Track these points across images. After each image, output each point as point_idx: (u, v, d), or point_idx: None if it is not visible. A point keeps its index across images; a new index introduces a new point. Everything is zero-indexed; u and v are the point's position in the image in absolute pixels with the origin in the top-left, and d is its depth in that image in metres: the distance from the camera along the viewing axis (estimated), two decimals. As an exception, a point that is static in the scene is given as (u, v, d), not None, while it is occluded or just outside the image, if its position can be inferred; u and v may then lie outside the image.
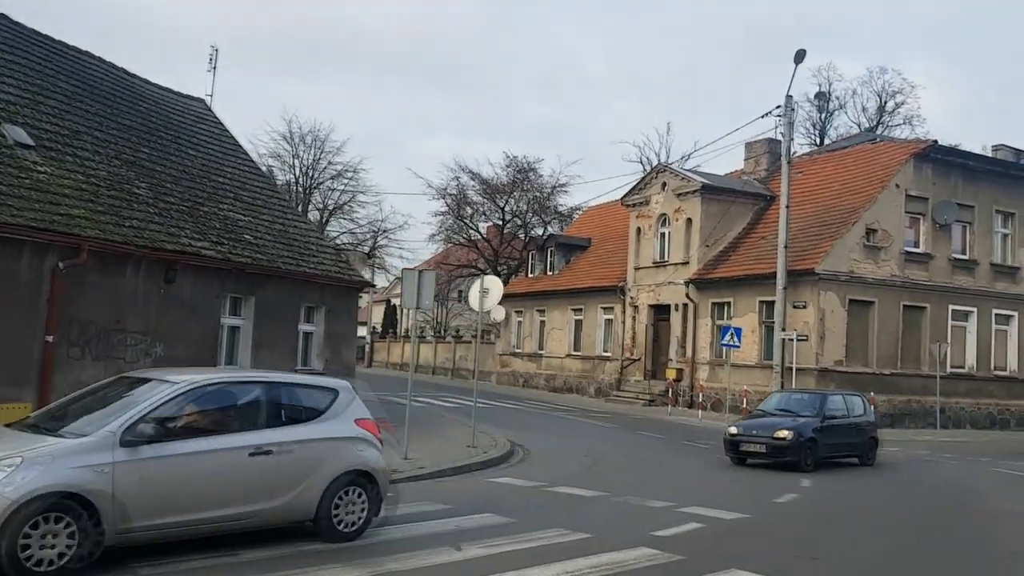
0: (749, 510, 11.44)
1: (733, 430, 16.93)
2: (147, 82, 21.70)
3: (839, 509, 12.30)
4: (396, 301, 76.62)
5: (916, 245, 29.20)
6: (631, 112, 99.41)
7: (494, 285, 16.80)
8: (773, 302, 27.62)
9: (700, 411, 28.30)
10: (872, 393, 25.99)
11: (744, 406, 26.83)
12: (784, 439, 16.07)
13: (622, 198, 36.73)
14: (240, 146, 22.99)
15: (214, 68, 23.88)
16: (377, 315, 74.94)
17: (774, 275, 27.36)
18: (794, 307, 27.43)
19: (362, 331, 72.19)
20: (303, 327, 20.02)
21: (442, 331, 59.22)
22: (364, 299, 76.97)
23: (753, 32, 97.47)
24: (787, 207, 27.56)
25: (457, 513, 10.35)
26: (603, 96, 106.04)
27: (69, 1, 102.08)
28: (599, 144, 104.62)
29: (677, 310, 32.90)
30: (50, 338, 13.58)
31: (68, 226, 13.89)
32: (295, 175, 42.90)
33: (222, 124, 23.26)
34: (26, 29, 18.39)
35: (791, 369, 26.19)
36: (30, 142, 15.20)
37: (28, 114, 16.00)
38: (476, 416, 24.81)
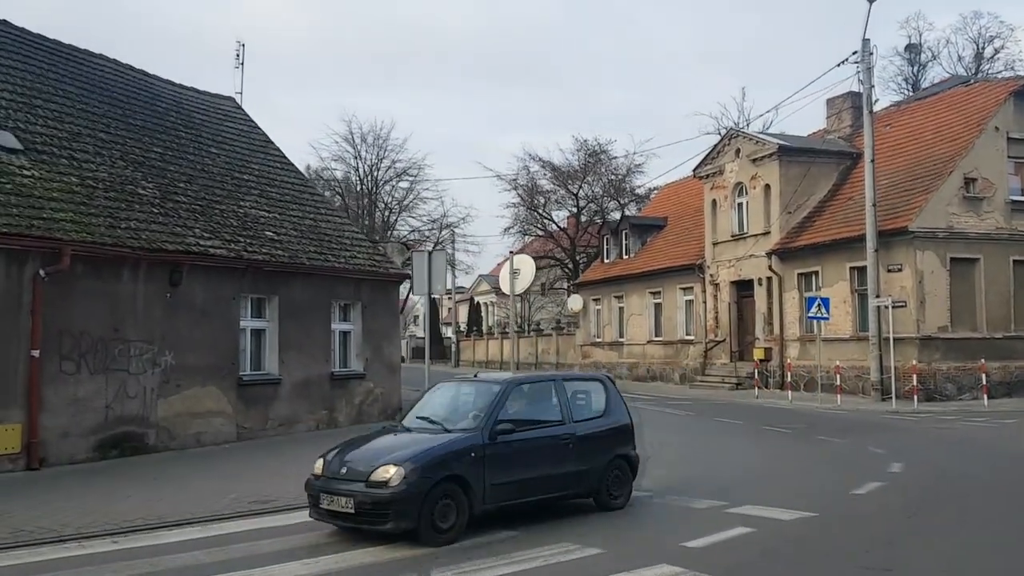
0: (816, 507, 9.42)
1: (318, 466, 8.76)
2: (169, 83, 20.83)
3: (937, 505, 10.06)
4: (479, 299, 75.65)
5: (1023, 192, 26.03)
6: (709, 87, 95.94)
7: (525, 265, 15.11)
8: (865, 268, 25.11)
9: (790, 392, 25.89)
10: (983, 360, 23.29)
11: (838, 384, 24.36)
12: (385, 485, 8.03)
13: (694, 169, 34.40)
14: (271, 142, 21.91)
15: (241, 64, 22.99)
16: (463, 314, 74.11)
17: (863, 238, 24.86)
18: (888, 271, 24.81)
19: (448, 331, 71.55)
20: (338, 326, 18.74)
21: (525, 325, 57.69)
22: (447, 300, 76.49)
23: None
24: (872, 161, 25.05)
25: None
26: (681, 75, 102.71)
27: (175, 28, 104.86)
28: (676, 121, 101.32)
29: (760, 284, 30.45)
30: (36, 352, 12.54)
31: (49, 230, 12.84)
32: (359, 176, 42.00)
33: (251, 121, 22.25)
34: (30, 34, 17.66)
35: (888, 340, 23.62)
36: (17, 146, 14.28)
37: (21, 118, 15.14)
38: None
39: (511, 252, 15.03)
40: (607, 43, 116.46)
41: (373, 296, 19.21)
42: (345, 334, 19.01)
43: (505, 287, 15.10)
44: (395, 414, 19.28)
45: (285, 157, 21.74)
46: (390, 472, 8.08)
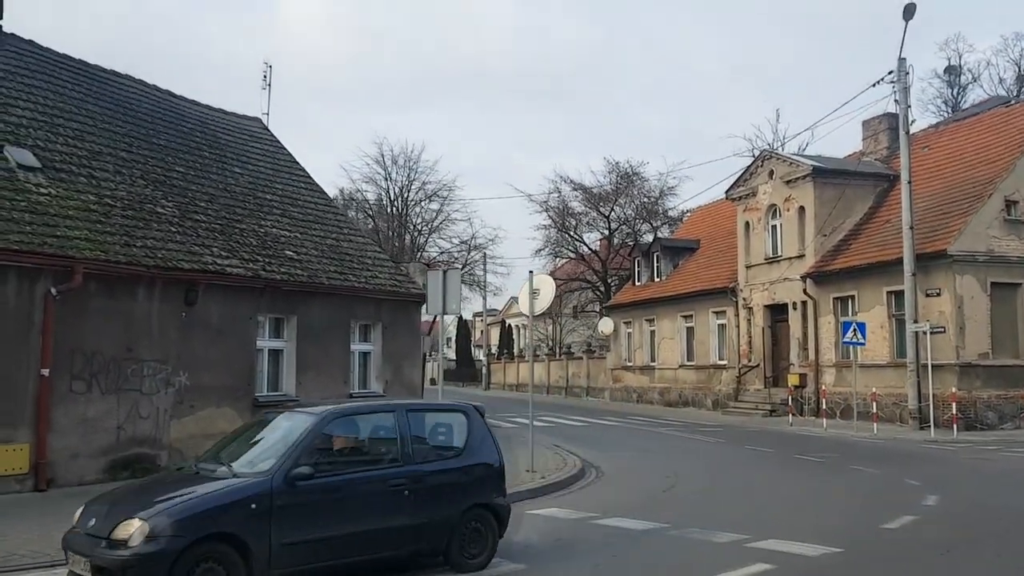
0: (844, 542, 8.88)
1: (76, 515, 7.38)
2: (195, 103, 20.83)
3: (974, 542, 9.44)
4: (511, 321, 75.27)
5: (1067, 215, 25.18)
6: (745, 111, 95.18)
7: (545, 284, 14.68)
8: (902, 292, 24.39)
9: (825, 420, 25.14)
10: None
11: (874, 411, 23.61)
12: (124, 545, 6.55)
13: (727, 191, 33.83)
14: (297, 163, 21.81)
15: (269, 86, 22.95)
16: (494, 336, 73.75)
17: (901, 261, 24.17)
18: (927, 295, 24.07)
19: (479, 354, 71.19)
20: (358, 346, 18.45)
21: (556, 349, 57.21)
22: (479, 323, 76.15)
23: (868, 16, 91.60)
24: (908, 182, 24.41)
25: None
26: (716, 98, 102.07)
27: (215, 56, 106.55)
28: (710, 143, 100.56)
29: (795, 308, 29.76)
30: (46, 371, 12.35)
31: (62, 248, 12.71)
32: (389, 197, 42.00)
33: (278, 142, 22.18)
34: (55, 54, 17.71)
35: (927, 366, 22.85)
36: (36, 164, 14.23)
37: (41, 136, 15.10)
38: (565, 436, 22.91)
39: (530, 272, 14.59)
40: (642, 66, 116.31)
41: (394, 316, 18.92)
42: (365, 355, 18.72)
43: (524, 308, 14.70)
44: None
45: (310, 177, 21.63)
46: (132, 528, 6.46)
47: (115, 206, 14.74)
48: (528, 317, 14.76)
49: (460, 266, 42.37)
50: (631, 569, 8.01)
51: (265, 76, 22.93)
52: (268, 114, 22.61)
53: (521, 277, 56.54)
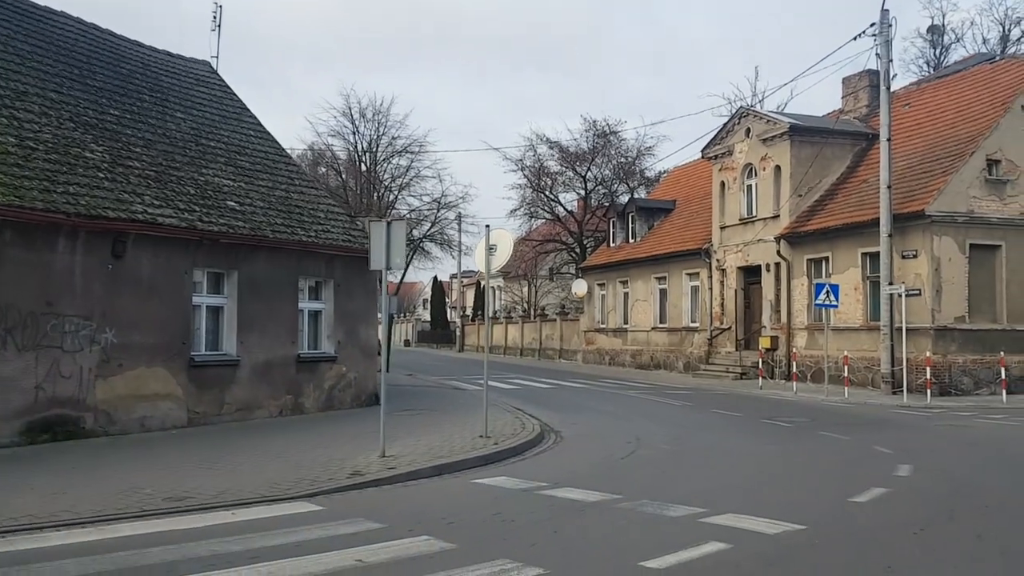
0: (807, 518, 8.09)
1: None
2: (138, 44, 19.56)
3: (948, 519, 8.67)
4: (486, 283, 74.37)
5: (1051, 175, 24.46)
6: (725, 75, 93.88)
7: (502, 240, 13.73)
8: (878, 254, 23.69)
9: (795, 383, 24.50)
10: (1002, 353, 21.88)
11: (846, 375, 22.97)
12: None
13: (703, 150, 32.91)
14: (247, 110, 20.64)
15: (218, 27, 21.61)
16: (470, 298, 72.90)
17: (877, 222, 23.43)
18: (903, 257, 23.38)
19: (454, 315, 70.31)
20: (307, 305, 17.50)
21: (531, 311, 56.42)
22: (455, 284, 75.19)
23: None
24: (888, 140, 23.60)
25: (384, 537, 7.46)
26: (697, 63, 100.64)
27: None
28: (689, 105, 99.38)
29: (768, 271, 29.05)
30: (-49, 327, 11.37)
31: (-34, 192, 11.64)
32: (358, 152, 40.64)
33: (228, 88, 20.97)
34: (-21, -11, 16.40)
35: (901, 330, 22.20)
36: (-54, 102, 13.08)
37: (-43, 74, 13.92)
38: (531, 399, 22.13)
39: (487, 226, 13.65)
40: (623, 31, 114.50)
41: (348, 274, 17.95)
42: (315, 314, 17.77)
43: (480, 264, 13.76)
44: (370, 401, 18.08)
45: (261, 125, 20.48)
46: None
47: (37, 149, 13.61)
48: (484, 273, 13.80)
49: (430, 225, 41.22)
50: (569, 549, 7.18)
51: (215, 17, 21.60)
52: (217, 58, 21.38)
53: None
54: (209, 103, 19.57)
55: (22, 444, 12.13)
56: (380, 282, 11.89)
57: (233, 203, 16.30)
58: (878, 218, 23.55)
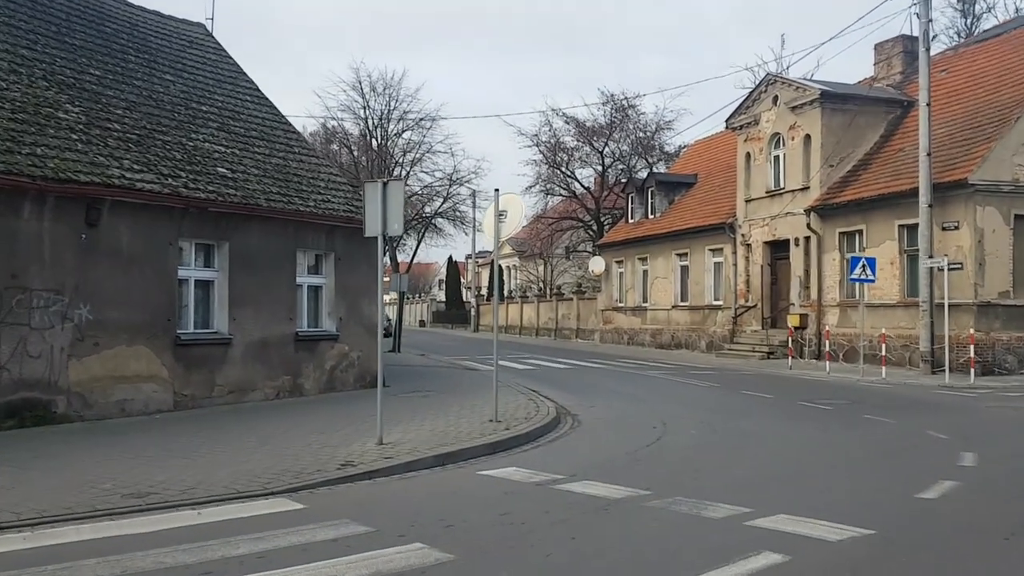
0: (873, 520, 6.80)
1: None
2: (126, 3, 18.32)
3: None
4: (502, 262, 73.01)
5: (1102, 141, 22.85)
6: (748, 50, 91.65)
7: (512, 205, 12.44)
8: (916, 226, 22.24)
9: (828, 363, 23.12)
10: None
11: (883, 354, 21.57)
12: None
13: (727, 120, 31.39)
14: (243, 74, 19.37)
15: (213, -13, 20.29)
16: (485, 278, 71.68)
17: (915, 192, 21.96)
18: (943, 229, 21.90)
19: (470, 295, 69.08)
20: (306, 279, 16.29)
21: (546, 290, 55.13)
22: (470, 264, 73.91)
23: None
24: (928, 104, 22.02)
25: (368, 544, 6.24)
26: (720, 40, 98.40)
27: None
28: (711, 79, 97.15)
29: (797, 245, 27.58)
30: (-100, 300, 10.22)
31: (-84, 151, 10.45)
32: (368, 128, 39.30)
33: (223, 50, 19.72)
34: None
35: (942, 306, 20.75)
36: (-98, 55, 11.89)
37: (-82, 27, 12.73)
38: (547, 380, 20.88)
39: (496, 190, 12.36)
40: (639, 8, 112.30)
41: (350, 246, 16.71)
42: (315, 289, 16.57)
43: (489, 231, 12.48)
44: (374, 382, 16.85)
45: (259, 91, 19.22)
46: None
47: (2, 107, 12.40)
48: (493, 241, 12.51)
49: (442, 201, 39.78)
50: (592, 562, 5.92)
51: (210, -23, 20.28)
52: (212, 19, 20.16)
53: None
54: (202, 66, 18.33)
55: (-14, 430, 11.00)
56: (378, 250, 10.55)
57: (224, 169, 15.07)
58: (917, 188, 22.08)
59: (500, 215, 12.33)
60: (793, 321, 26.55)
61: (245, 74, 19.39)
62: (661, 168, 46.20)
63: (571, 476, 8.75)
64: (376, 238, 10.89)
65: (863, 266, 21.64)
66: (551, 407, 14.32)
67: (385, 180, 10.44)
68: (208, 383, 14.04)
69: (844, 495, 8.00)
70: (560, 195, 51.25)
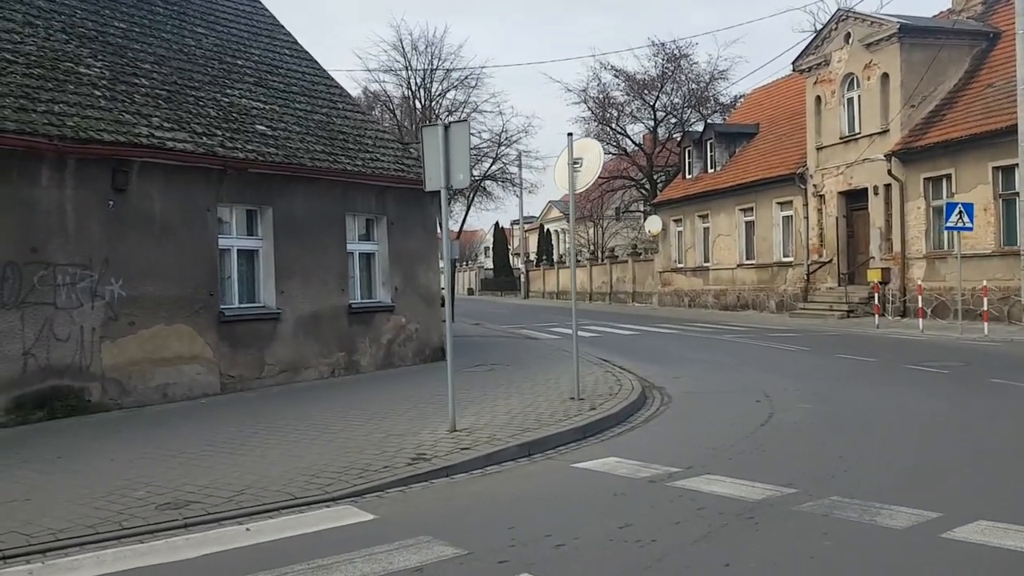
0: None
1: None
2: (154, -46, 16.91)
3: None
4: (550, 226, 71.35)
5: None
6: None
7: (589, 151, 10.87)
8: (1013, 167, 20.26)
9: (921, 320, 21.27)
10: None
11: (984, 308, 19.69)
12: None
13: (794, 62, 29.29)
14: (280, 26, 17.94)
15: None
16: (532, 244, 70.19)
17: (1012, 130, 19.94)
18: (1047, 169, 19.87)
19: (518, 262, 67.65)
20: (357, 246, 14.94)
21: (599, 253, 53.42)
22: (516, 230, 72.36)
23: None
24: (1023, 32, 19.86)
25: (465, 574, 4.83)
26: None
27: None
28: (765, 29, 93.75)
29: (877, 194, 25.60)
30: (-94, 281, 9.02)
31: (-85, 110, 9.19)
32: (411, 89, 37.82)
33: (258, 1, 18.28)
34: None
35: (1049, 254, 18.82)
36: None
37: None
38: (614, 348, 19.41)
39: (569, 135, 10.80)
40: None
41: (403, 209, 15.33)
42: (368, 256, 15.22)
43: (562, 183, 10.94)
44: (435, 355, 15.53)
45: (298, 44, 17.78)
46: None
47: (16, 62, 11.12)
48: (569, 193, 10.96)
49: (491, 163, 38.17)
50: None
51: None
52: (246, -29, 18.57)
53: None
54: (236, 18, 16.94)
55: (10, 424, 9.85)
56: (443, 205, 9.07)
57: (263, 127, 13.69)
58: (1014, 125, 20.05)
59: (575, 163, 10.77)
60: (874, 276, 24.62)
61: (282, 26, 17.97)
62: (717, 120, 44.05)
63: (687, 469, 7.28)
64: (436, 194, 9.44)
65: (959, 212, 19.73)
66: (632, 380, 12.84)
67: (446, 123, 8.93)
68: (257, 363, 12.79)
69: (1042, 489, 6.42)
70: (610, 153, 49.33)
